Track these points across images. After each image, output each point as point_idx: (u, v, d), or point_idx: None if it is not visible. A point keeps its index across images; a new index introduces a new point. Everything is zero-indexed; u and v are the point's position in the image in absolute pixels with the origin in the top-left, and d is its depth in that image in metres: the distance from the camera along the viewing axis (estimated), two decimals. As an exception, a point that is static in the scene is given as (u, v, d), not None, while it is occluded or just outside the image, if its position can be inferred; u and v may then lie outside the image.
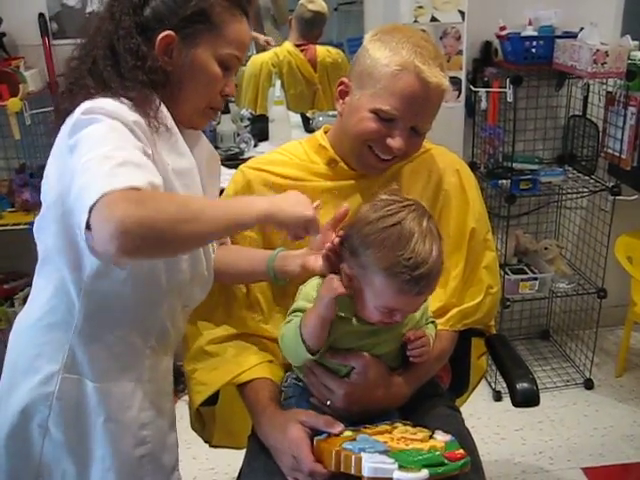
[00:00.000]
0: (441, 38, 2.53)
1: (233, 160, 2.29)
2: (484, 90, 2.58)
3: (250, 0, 1.21)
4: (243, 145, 2.57)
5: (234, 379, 1.31)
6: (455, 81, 2.59)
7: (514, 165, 2.56)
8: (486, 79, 2.60)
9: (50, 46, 2.53)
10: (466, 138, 2.75)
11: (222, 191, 1.45)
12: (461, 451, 1.10)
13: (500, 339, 1.60)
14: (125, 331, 1.18)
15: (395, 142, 1.27)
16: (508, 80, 2.36)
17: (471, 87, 2.64)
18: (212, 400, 1.38)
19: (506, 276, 2.61)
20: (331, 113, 2.71)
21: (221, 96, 1.21)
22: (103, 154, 0.95)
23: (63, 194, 1.04)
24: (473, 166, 2.78)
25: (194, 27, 1.14)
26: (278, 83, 2.68)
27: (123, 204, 0.89)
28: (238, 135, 2.59)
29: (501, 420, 2.60)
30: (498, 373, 2.70)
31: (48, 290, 1.16)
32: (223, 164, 1.48)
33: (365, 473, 1.02)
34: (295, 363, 1.27)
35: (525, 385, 1.39)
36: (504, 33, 2.55)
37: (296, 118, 2.81)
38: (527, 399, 1.38)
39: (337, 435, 1.15)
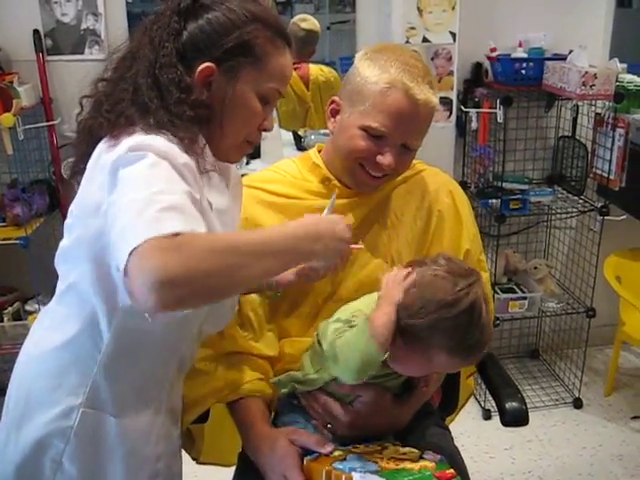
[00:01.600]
0: (432, 59, 2.56)
1: (225, 177, 2.30)
2: (475, 110, 2.61)
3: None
4: (235, 162, 2.58)
5: (224, 397, 1.31)
6: (446, 101, 2.62)
7: (504, 185, 2.59)
8: (477, 99, 2.63)
9: (44, 62, 2.54)
10: (457, 158, 2.79)
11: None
12: (451, 471, 1.11)
13: (489, 358, 1.60)
14: (150, 365, 1.14)
15: (385, 159, 1.28)
16: (498, 101, 2.39)
17: (462, 107, 2.67)
18: (201, 418, 1.37)
19: (496, 295, 2.63)
20: (323, 131, 2.73)
21: (259, 130, 1.16)
22: (149, 196, 0.89)
23: (102, 230, 0.97)
24: (464, 185, 2.80)
25: (236, 60, 1.08)
26: (270, 101, 2.70)
27: (162, 254, 0.83)
28: (230, 152, 2.60)
29: (490, 439, 2.60)
30: (488, 392, 2.71)
31: (75, 320, 1.10)
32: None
33: None
34: (353, 375, 1.15)
35: (514, 404, 1.40)
36: (495, 54, 2.58)
37: (288, 136, 2.82)
38: (516, 418, 1.39)
39: (327, 455, 1.15)
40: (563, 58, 2.53)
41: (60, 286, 1.12)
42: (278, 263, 0.99)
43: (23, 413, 1.13)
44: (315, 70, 3.17)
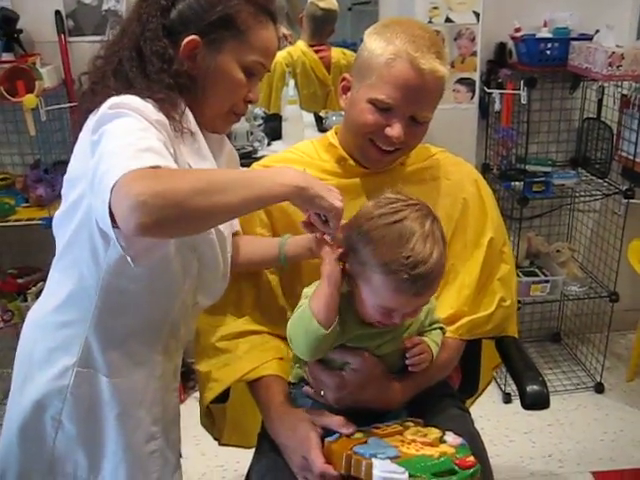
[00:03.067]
0: (455, 39, 2.53)
1: (246, 159, 2.30)
2: (498, 92, 2.57)
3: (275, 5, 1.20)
4: (257, 144, 2.58)
5: (245, 376, 1.31)
6: (469, 82, 2.59)
7: (527, 167, 2.55)
8: (500, 81, 2.59)
9: (66, 43, 2.55)
10: (479, 140, 2.76)
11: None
12: (472, 458, 1.10)
13: (512, 341, 1.58)
14: (139, 327, 1.18)
15: (393, 131, 1.28)
16: (522, 82, 2.35)
17: (485, 89, 2.64)
18: (222, 397, 1.38)
19: (517, 278, 2.60)
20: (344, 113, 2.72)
21: (244, 102, 1.20)
22: (126, 142, 0.96)
23: (86, 190, 1.05)
24: (486, 168, 2.79)
25: (219, 33, 1.13)
26: (292, 82, 2.69)
27: (141, 180, 0.89)
28: (251, 134, 2.60)
29: (510, 422, 2.59)
30: (508, 375, 2.70)
31: (65, 284, 1.16)
32: (236, 163, 1.48)
33: None
34: (306, 353, 1.20)
35: (535, 387, 1.38)
36: (519, 35, 2.54)
37: (309, 117, 2.81)
38: (537, 401, 1.37)
39: (348, 436, 1.15)
40: (589, 38, 2.48)
41: (57, 253, 1.18)
42: (257, 193, 0.99)
43: (25, 374, 1.20)
44: (337, 53, 3.15)
